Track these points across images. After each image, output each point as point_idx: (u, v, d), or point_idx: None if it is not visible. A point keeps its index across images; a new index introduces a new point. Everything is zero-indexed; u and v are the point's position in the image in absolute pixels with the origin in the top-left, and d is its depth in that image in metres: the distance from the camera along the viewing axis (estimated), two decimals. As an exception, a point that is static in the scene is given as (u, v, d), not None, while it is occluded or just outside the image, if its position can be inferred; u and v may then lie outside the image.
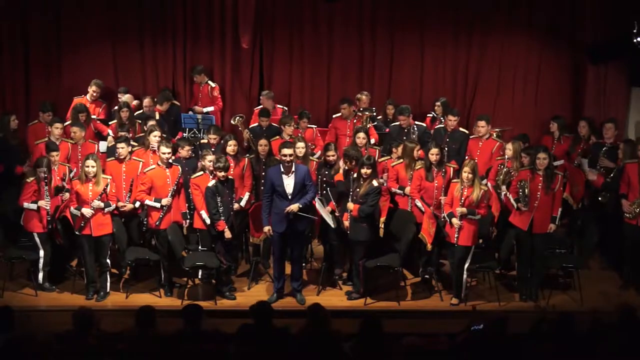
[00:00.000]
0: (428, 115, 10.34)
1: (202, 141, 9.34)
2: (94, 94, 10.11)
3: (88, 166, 7.61)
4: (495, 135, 9.38)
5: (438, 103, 10.18)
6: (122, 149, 8.29)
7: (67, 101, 10.23)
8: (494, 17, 10.94)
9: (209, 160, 7.91)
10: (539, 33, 10.94)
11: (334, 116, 10.16)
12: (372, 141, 9.39)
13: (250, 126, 9.78)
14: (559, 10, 10.83)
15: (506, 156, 8.49)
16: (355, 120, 9.86)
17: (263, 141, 8.65)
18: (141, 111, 9.95)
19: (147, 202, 7.89)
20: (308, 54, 11.10)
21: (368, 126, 9.45)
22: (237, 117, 9.80)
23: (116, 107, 9.98)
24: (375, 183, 7.67)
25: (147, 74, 11.08)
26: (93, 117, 9.85)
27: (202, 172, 7.98)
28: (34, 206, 7.73)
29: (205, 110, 10.48)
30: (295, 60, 11.13)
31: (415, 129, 9.57)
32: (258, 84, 11.12)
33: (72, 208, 7.71)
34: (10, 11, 10.65)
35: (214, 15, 10.91)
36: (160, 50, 11.04)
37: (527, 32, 10.95)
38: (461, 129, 9.55)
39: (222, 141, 8.57)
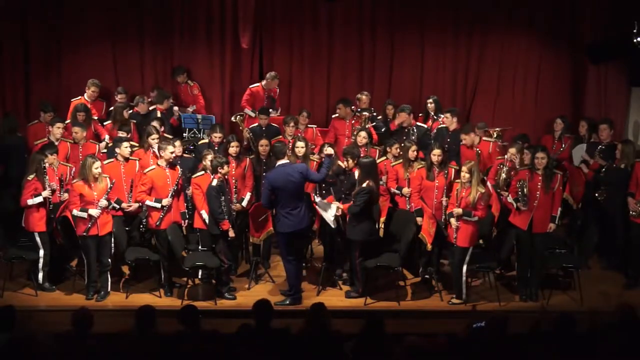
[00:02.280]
0: (420, 114, 10.33)
1: (201, 141, 9.34)
2: (93, 94, 10.06)
3: (96, 168, 7.59)
4: (495, 136, 9.37)
5: (430, 100, 10.18)
6: (126, 148, 8.26)
7: (67, 101, 10.20)
8: (494, 17, 10.94)
9: (209, 159, 7.90)
10: (539, 33, 10.94)
11: (333, 116, 10.17)
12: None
13: (251, 126, 9.77)
14: (559, 10, 10.83)
15: (507, 157, 8.49)
16: (353, 121, 9.86)
17: (264, 141, 8.64)
18: (132, 111, 9.88)
19: (148, 202, 7.87)
20: (308, 53, 11.10)
21: (367, 126, 9.45)
22: (238, 116, 9.80)
23: (112, 108, 9.96)
24: (364, 184, 7.66)
25: (147, 74, 11.07)
26: (94, 118, 9.83)
27: (203, 172, 7.98)
28: (38, 199, 7.69)
29: (189, 109, 10.50)
30: (295, 60, 11.13)
31: (415, 130, 9.57)
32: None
33: (75, 211, 7.64)
34: (10, 11, 10.64)
35: (213, 15, 10.91)
36: (160, 50, 11.05)
37: (527, 32, 10.95)
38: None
39: (224, 141, 8.57)
